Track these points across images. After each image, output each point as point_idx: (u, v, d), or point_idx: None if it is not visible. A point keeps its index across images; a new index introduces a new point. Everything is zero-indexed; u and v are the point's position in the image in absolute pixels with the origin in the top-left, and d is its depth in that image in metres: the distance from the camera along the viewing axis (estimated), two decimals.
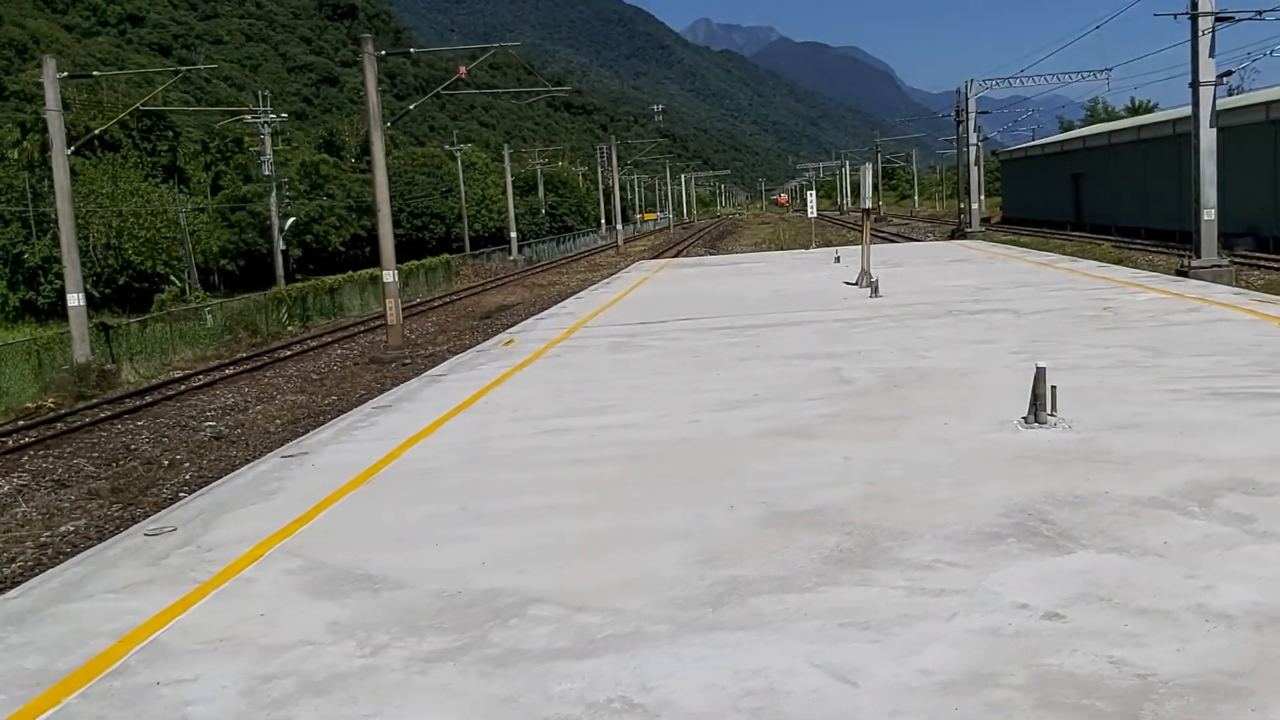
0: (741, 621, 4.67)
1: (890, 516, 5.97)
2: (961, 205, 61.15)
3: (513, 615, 4.93)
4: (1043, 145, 75.27)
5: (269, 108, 51.19)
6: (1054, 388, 8.03)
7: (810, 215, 40.11)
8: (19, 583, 8.87)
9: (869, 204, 20.52)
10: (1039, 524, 5.67)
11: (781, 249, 47.15)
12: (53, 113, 24.99)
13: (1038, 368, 8.03)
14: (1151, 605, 4.52)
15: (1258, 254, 35.38)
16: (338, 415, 14.82)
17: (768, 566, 5.32)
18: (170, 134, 64.72)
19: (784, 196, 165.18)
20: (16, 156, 55.91)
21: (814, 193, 43.32)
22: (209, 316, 32.96)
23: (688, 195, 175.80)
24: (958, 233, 54.31)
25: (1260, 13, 29.75)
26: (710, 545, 5.70)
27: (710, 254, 51.22)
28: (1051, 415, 7.92)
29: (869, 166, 20.89)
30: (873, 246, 20.85)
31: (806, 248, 39.86)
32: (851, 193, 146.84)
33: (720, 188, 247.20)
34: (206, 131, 70.26)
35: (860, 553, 5.42)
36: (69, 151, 25.25)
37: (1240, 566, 4.87)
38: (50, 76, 25.14)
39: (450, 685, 4.26)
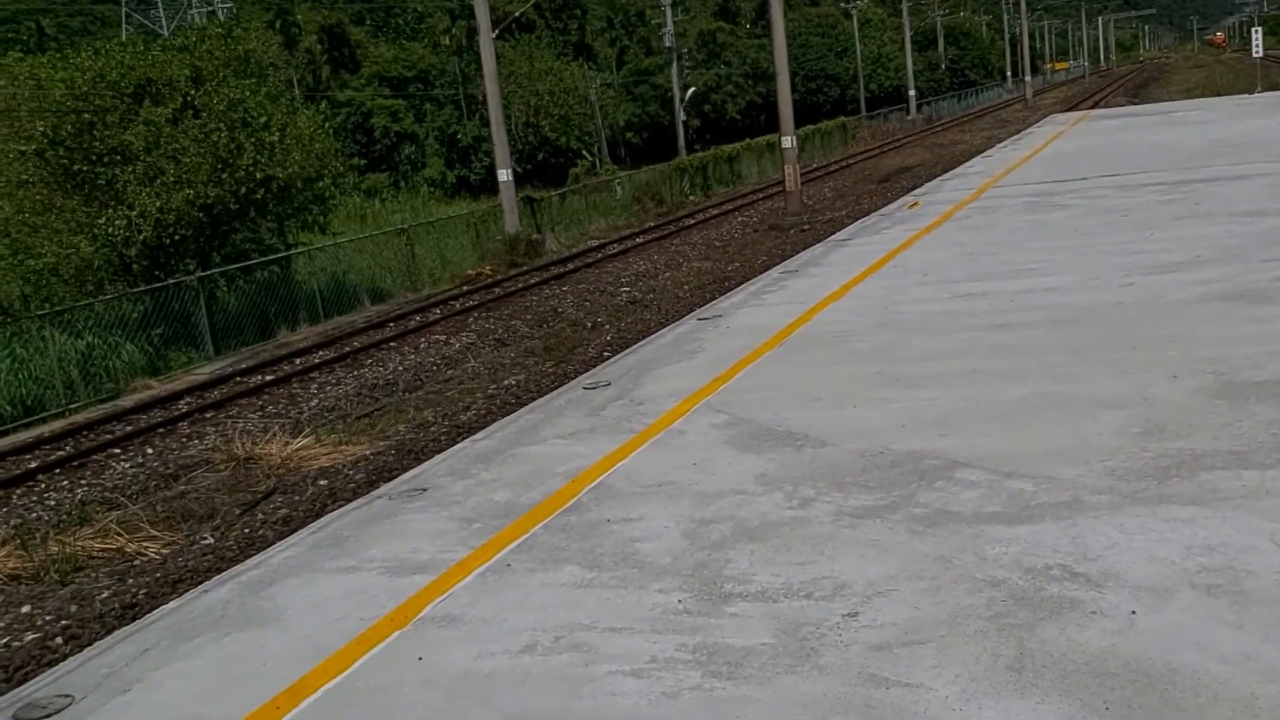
0: (1193, 496, 4.35)
1: None
2: None
3: (938, 477, 4.90)
4: None
5: None
6: None
7: (1255, 55, 35.35)
8: (475, 428, 10.01)
9: None
10: None
11: (1219, 95, 42.04)
12: None
13: None
14: None
15: None
16: (742, 280, 15.23)
17: (1221, 440, 4.90)
18: (578, 12, 67.67)
19: (1221, 35, 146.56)
20: (447, 43, 60.94)
21: (1259, 29, 38.06)
22: (618, 188, 34.65)
23: (1105, 40, 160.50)
24: None
25: None
26: (1152, 415, 5.33)
27: (1133, 103, 46.67)
28: None
29: None
30: None
31: (1250, 92, 35.29)
32: None
33: (1143, 29, 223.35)
34: (610, 7, 72.79)
35: None
36: (493, 35, 27.08)
37: None
38: None
39: (880, 540, 4.33)
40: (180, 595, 5.15)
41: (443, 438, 10.93)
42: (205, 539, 9.07)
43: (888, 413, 5.92)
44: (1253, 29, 39.82)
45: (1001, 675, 3.26)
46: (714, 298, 13.20)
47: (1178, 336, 6.65)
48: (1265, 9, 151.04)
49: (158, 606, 4.93)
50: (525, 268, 22.92)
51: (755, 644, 3.62)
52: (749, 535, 4.53)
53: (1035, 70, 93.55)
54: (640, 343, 8.95)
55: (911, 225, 13.06)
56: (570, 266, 22.72)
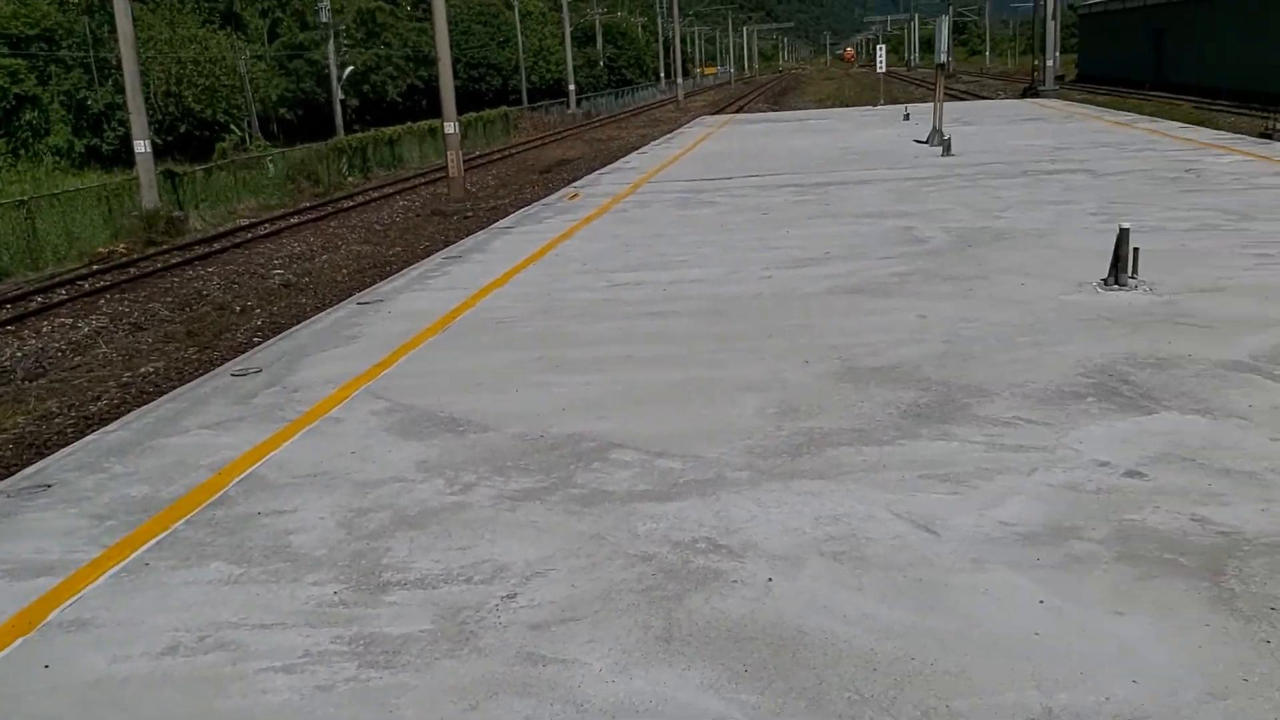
0: (821, 471, 4.75)
1: (968, 374, 5.97)
2: (1036, 62, 58.98)
3: (595, 459, 5.05)
4: None
5: None
6: (1136, 249, 7.88)
7: (879, 71, 38.93)
8: (107, 419, 9.21)
9: (945, 59, 19.86)
10: (1120, 385, 5.65)
11: (847, 106, 45.96)
12: None
13: (1121, 228, 7.87)
14: (1235, 466, 4.52)
15: None
16: (404, 265, 14.99)
17: (845, 419, 5.37)
18: None
19: (850, 51, 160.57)
20: (76, 0, 55.62)
21: (883, 47, 41.94)
22: (271, 165, 33.04)
23: (749, 49, 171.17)
24: (1031, 91, 52.46)
25: None
26: (787, 398, 5.76)
27: (773, 110, 50.09)
28: (1133, 277, 7.80)
29: (945, 19, 20.11)
30: (944, 104, 20.26)
31: (874, 105, 38.83)
32: (921, 48, 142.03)
33: (783, 41, 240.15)
34: None
35: (938, 408, 5.45)
36: None
37: None
38: None
39: (539, 522, 4.41)
40: None
41: (70, 430, 10.00)
42: None
43: (549, 397, 6.03)
44: (877, 46, 43.83)
45: (652, 646, 3.41)
46: (374, 282, 12.88)
47: (809, 326, 7.22)
48: (889, 29, 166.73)
49: None
50: (165, 246, 21.37)
51: (413, 631, 3.59)
52: (409, 523, 4.47)
53: (687, 73, 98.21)
54: (295, 328, 8.60)
55: (572, 216, 13.35)
56: (217, 246, 21.44)
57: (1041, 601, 3.55)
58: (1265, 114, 30.93)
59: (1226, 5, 49.48)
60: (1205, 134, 19.88)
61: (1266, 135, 23.09)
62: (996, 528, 4.11)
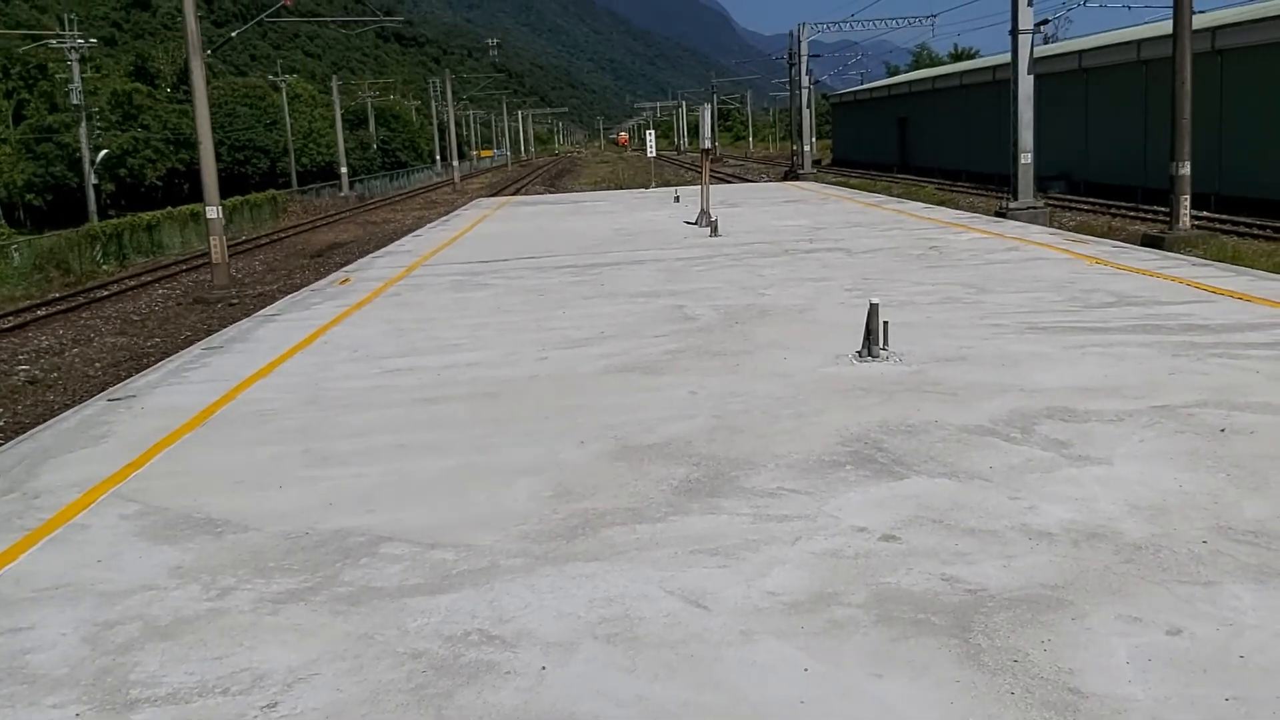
0: (595, 552, 4.76)
1: (735, 447, 6.15)
2: (794, 147, 62.42)
3: (364, 554, 4.89)
4: (870, 89, 77.21)
5: (76, 32, 48.00)
6: (886, 323, 8.36)
7: (650, 155, 40.20)
8: None
9: (709, 144, 20.71)
10: (874, 452, 5.94)
11: (621, 188, 47.18)
12: None
13: (871, 304, 8.35)
14: (979, 526, 4.81)
15: (1069, 197, 37.35)
16: (163, 357, 14.25)
17: (619, 499, 5.42)
18: None
19: (624, 135, 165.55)
20: None
21: (653, 132, 43.46)
22: (15, 254, 30.98)
23: (525, 133, 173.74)
24: (791, 174, 55.39)
25: None
26: (562, 480, 5.76)
27: (550, 192, 50.85)
28: (884, 349, 8.26)
29: (709, 107, 21.03)
30: (711, 187, 21.10)
31: (646, 187, 40.00)
32: (689, 133, 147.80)
33: (558, 125, 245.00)
34: (7, 56, 65.39)
35: (708, 483, 5.57)
36: None
37: (1059, 488, 5.23)
38: None
39: (303, 624, 4.21)
40: None
41: None
42: None
43: (315, 492, 5.82)
44: (648, 132, 45.38)
45: None
46: (130, 376, 12.18)
47: (584, 405, 7.28)
48: (658, 114, 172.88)
49: None
50: None
51: None
52: (160, 634, 4.19)
53: (462, 156, 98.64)
54: (37, 428, 8.00)
55: (343, 301, 13.07)
56: None
57: (806, 669, 3.65)
58: (999, 195, 33.69)
59: (956, 97, 53.91)
60: (947, 213, 21.46)
61: (1000, 214, 25.10)
62: (764, 598, 4.21)
